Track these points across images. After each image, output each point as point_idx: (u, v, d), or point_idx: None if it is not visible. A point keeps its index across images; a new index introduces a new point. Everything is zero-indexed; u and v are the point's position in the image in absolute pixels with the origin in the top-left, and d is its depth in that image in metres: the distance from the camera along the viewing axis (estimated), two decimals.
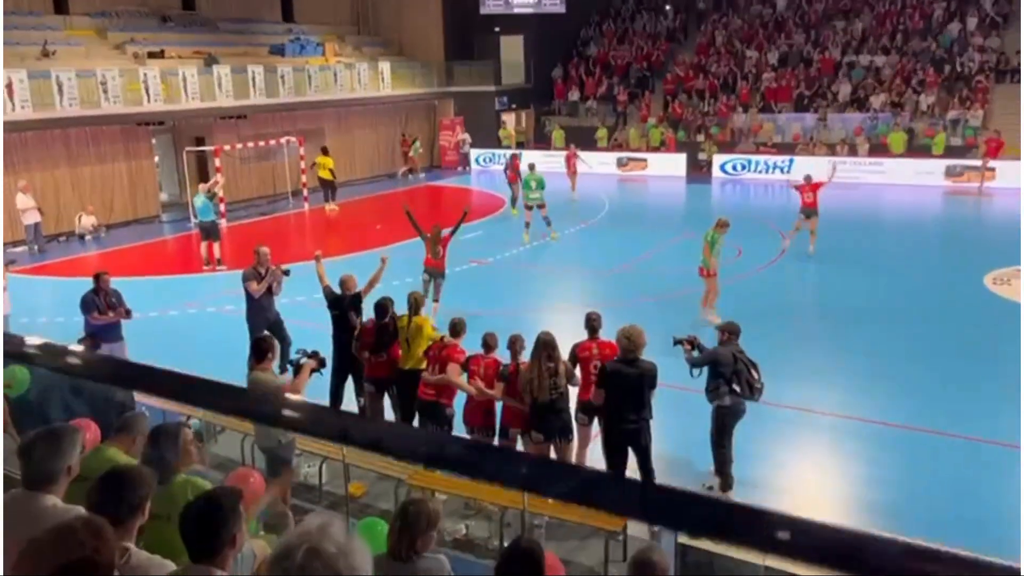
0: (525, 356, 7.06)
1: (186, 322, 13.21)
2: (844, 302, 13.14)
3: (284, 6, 29.85)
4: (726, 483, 7.24)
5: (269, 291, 9.64)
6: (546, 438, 6.97)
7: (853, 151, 25.71)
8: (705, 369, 7.28)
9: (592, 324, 7.39)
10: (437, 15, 31.96)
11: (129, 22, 24.54)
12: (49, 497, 2.99)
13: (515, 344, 7.21)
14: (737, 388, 7.16)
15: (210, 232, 16.47)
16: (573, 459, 7.22)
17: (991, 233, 17.87)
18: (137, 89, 21.06)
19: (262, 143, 23.62)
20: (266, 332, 6.82)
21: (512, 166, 21.66)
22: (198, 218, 16.94)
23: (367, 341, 8.19)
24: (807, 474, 8.08)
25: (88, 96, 19.89)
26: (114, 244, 19.45)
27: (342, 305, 8.72)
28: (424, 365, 7.59)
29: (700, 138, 28.14)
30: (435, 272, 12.49)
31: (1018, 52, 26.44)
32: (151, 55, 23.37)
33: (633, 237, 18.45)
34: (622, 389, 6.68)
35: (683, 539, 5.20)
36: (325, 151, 23.31)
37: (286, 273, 9.80)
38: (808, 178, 15.97)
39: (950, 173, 23.60)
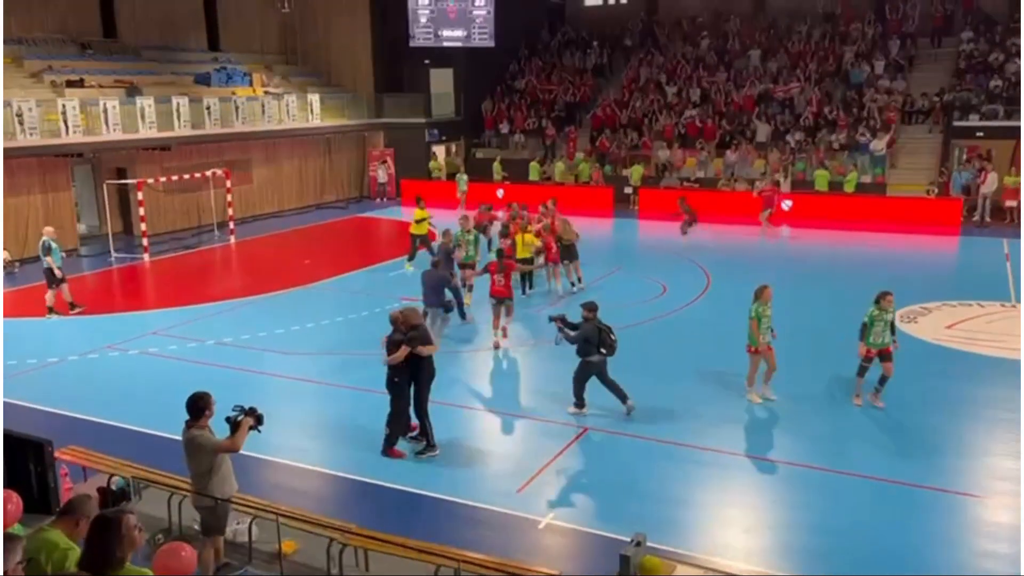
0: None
1: (107, 365, 12.83)
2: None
3: (210, 34, 29.44)
4: (580, 404, 10.41)
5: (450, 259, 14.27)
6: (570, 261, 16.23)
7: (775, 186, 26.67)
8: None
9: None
10: (366, 46, 32.01)
11: (47, 49, 23.89)
12: None
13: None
14: (603, 350, 10.13)
15: (48, 279, 15.37)
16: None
17: (892, 270, 18.79)
18: (55, 120, 20.46)
19: (187, 176, 23.14)
20: (205, 391, 6.74)
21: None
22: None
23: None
24: (722, 515, 8.34)
25: (3, 127, 19.22)
26: (27, 281, 18.65)
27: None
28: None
29: (626, 172, 28.79)
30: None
31: (924, 94, 27.99)
32: (70, 84, 22.75)
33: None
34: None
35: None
36: (419, 202, 19.30)
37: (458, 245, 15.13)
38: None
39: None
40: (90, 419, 10.50)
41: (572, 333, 10.22)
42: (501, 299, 13.17)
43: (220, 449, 6.58)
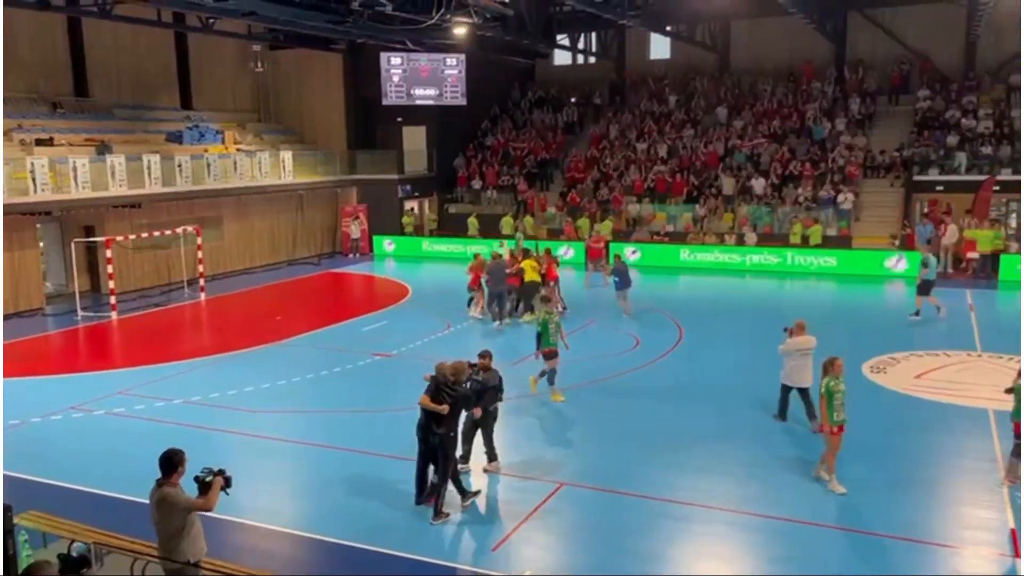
0: None
1: (70, 427, 12.53)
2: (737, 392, 13.59)
3: (182, 93, 29.61)
4: (466, 460, 10.17)
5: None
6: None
7: (741, 240, 27.12)
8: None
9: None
10: (339, 104, 32.42)
11: (18, 108, 23.82)
12: None
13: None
14: (500, 398, 10.10)
15: None
16: None
17: (859, 320, 19.06)
18: (24, 178, 20.32)
19: (157, 233, 23.00)
20: (179, 448, 6.60)
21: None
22: None
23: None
24: (698, 569, 8.25)
25: None
26: None
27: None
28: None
29: (597, 227, 29.13)
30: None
31: (882, 151, 28.78)
32: (39, 142, 22.68)
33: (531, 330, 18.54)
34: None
35: None
36: (527, 254, 19.72)
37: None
38: None
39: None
40: (51, 483, 10.21)
41: (486, 375, 9.83)
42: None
43: (194, 507, 6.44)
